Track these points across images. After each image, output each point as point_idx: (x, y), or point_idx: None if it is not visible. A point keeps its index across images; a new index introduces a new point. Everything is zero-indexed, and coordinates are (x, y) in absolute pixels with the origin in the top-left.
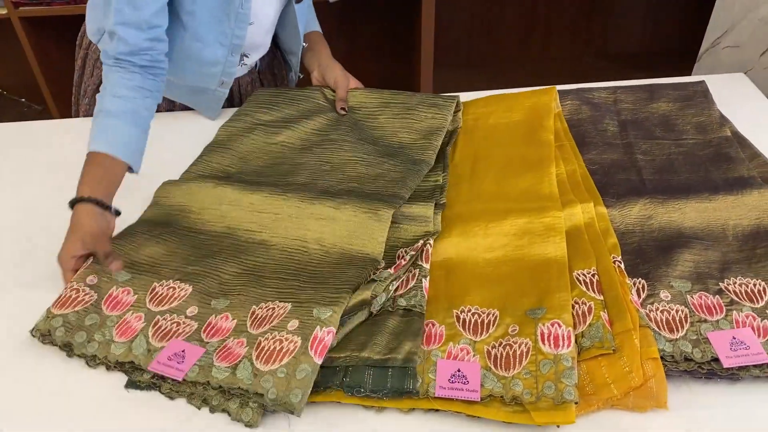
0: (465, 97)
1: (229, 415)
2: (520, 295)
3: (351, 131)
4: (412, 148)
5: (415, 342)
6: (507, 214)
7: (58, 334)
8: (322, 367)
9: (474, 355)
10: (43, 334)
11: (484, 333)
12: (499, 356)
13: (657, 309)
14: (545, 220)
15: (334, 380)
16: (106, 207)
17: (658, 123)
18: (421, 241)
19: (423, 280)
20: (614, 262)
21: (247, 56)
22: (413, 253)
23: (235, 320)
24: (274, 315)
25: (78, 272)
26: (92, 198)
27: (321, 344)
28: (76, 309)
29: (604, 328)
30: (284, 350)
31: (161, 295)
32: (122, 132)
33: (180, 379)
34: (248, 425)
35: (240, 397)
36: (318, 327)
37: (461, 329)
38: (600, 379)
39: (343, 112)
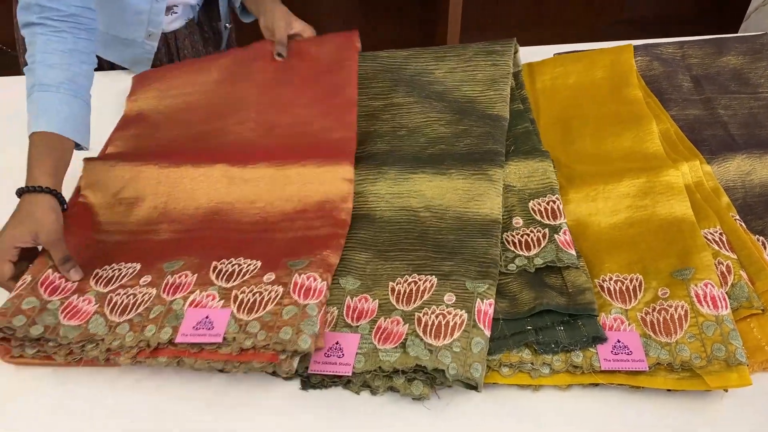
0: None
1: (397, 392)
2: (658, 257)
3: (413, 91)
4: (482, 102)
5: (591, 292)
6: (621, 175)
7: None
8: (512, 334)
9: (629, 324)
10: None
11: (634, 300)
12: (656, 322)
13: None
14: (664, 178)
15: (529, 338)
16: (62, 203)
17: (731, 77)
18: (547, 199)
19: (556, 235)
20: (735, 221)
21: (175, 6)
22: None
23: (377, 300)
24: (420, 289)
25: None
26: (52, 190)
27: (486, 316)
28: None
29: (749, 288)
30: (451, 324)
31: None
32: (64, 106)
33: (350, 374)
34: (419, 399)
35: (405, 374)
36: (478, 299)
37: (609, 298)
38: (752, 342)
39: (279, 58)
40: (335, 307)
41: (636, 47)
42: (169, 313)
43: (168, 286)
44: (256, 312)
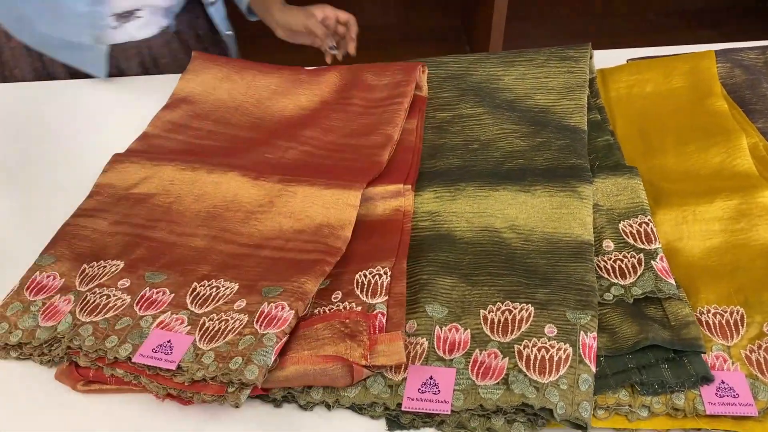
0: None
1: None
2: (761, 288)
3: (482, 101)
4: (556, 112)
5: (696, 326)
6: (713, 195)
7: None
8: (613, 373)
9: (733, 363)
10: None
11: (736, 336)
12: (763, 361)
13: None
14: (760, 200)
15: (632, 378)
16: None
17: None
18: (638, 220)
19: (653, 262)
20: None
21: (138, 10)
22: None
23: (468, 330)
24: (517, 319)
25: None
26: None
27: (591, 351)
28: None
29: None
30: (557, 359)
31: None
32: None
33: (448, 412)
34: None
35: (506, 414)
36: (582, 333)
37: (709, 333)
38: None
39: (333, 51)
40: (425, 338)
41: (716, 52)
42: (134, 329)
43: (143, 300)
44: (216, 341)
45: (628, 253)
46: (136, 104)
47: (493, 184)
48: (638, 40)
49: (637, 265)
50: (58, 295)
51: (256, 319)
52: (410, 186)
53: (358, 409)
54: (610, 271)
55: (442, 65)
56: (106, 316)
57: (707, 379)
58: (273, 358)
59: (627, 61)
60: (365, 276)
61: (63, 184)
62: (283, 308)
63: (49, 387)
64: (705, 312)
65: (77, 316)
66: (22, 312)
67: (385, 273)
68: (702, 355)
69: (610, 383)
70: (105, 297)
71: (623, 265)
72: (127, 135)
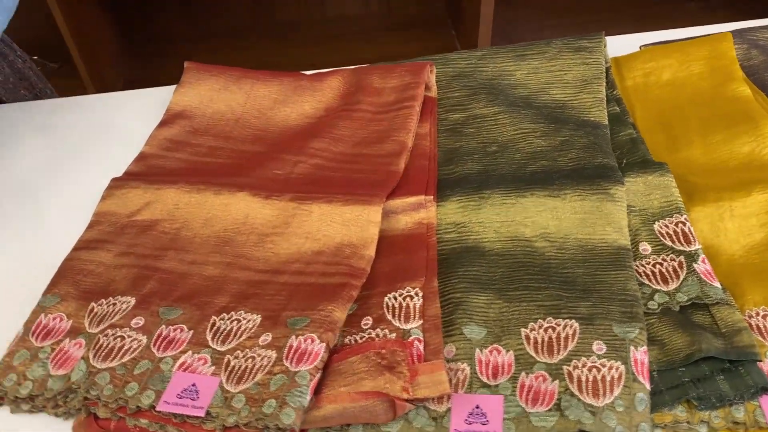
0: None
1: None
2: None
3: (495, 99)
4: (574, 107)
5: (749, 333)
6: (747, 187)
7: None
8: (667, 388)
9: None
10: None
11: None
12: None
13: None
14: None
15: (688, 393)
16: None
17: None
18: (674, 219)
19: (695, 265)
20: None
21: None
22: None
23: (511, 351)
24: (562, 337)
25: None
26: None
27: (644, 367)
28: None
29: None
30: (609, 378)
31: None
32: None
33: None
34: None
35: None
36: (632, 347)
37: (761, 338)
38: None
39: None
40: (466, 363)
41: (731, 33)
42: (155, 373)
43: (160, 339)
44: (244, 383)
45: (667, 255)
46: (128, 121)
47: (519, 189)
48: (627, 18)
49: (678, 269)
50: (68, 339)
51: (285, 356)
52: (432, 197)
53: None
54: (651, 277)
55: (450, 62)
56: (123, 360)
57: (766, 389)
58: (309, 398)
59: (640, 47)
60: (395, 298)
61: (60, 214)
62: (312, 341)
63: None
64: (754, 315)
65: (91, 362)
66: (30, 360)
67: (417, 294)
68: (758, 363)
69: (666, 399)
70: (119, 339)
71: (663, 269)
72: (124, 155)
